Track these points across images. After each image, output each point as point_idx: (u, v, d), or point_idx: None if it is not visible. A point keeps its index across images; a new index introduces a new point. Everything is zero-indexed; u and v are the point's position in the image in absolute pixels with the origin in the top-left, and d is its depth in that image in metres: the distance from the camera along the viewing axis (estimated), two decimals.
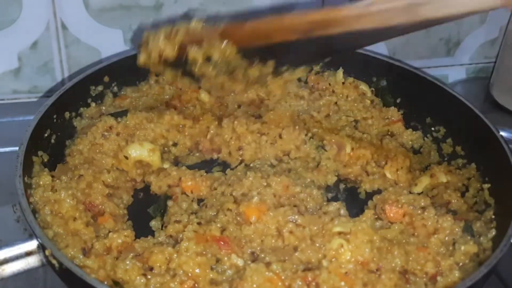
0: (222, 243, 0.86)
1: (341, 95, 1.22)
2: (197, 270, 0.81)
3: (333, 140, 1.09)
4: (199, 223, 0.91)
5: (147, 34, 0.96)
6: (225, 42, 0.89)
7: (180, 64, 0.94)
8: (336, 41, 0.85)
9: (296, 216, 0.90)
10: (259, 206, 0.91)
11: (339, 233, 0.86)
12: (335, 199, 1.02)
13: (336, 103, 1.20)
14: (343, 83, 1.23)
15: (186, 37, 0.93)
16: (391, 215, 0.95)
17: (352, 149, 1.08)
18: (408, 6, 0.76)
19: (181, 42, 0.93)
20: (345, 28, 0.82)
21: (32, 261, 0.81)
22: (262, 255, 0.86)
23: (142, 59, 0.96)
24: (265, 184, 0.97)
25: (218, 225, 0.90)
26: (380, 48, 1.38)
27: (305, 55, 0.90)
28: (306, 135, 1.10)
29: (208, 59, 0.90)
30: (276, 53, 0.90)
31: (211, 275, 0.82)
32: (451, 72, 1.48)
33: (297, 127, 1.10)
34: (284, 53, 0.90)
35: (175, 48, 0.93)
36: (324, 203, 0.98)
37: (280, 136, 1.09)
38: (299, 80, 1.25)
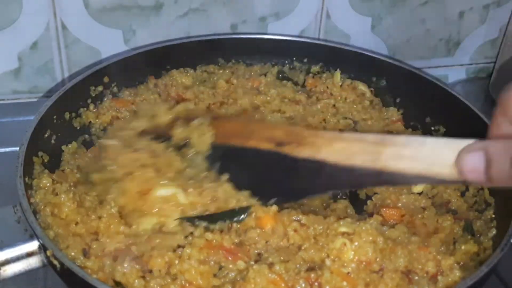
0: (228, 252, 0.84)
1: (339, 97, 1.21)
2: (199, 281, 0.80)
3: None
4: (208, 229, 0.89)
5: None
6: (210, 133, 0.96)
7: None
8: (305, 174, 0.85)
9: (300, 216, 0.90)
10: (276, 216, 0.90)
11: (343, 233, 0.86)
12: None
13: (334, 105, 1.19)
14: (341, 85, 1.23)
15: (185, 112, 1.03)
16: (389, 217, 0.95)
17: None
18: (374, 145, 0.77)
19: (178, 115, 1.03)
20: (311, 152, 0.83)
21: (33, 262, 0.81)
22: (266, 255, 0.86)
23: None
24: None
25: (227, 236, 0.87)
26: (380, 48, 1.39)
27: (266, 185, 0.91)
28: None
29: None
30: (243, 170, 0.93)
31: (214, 283, 0.81)
32: (451, 72, 1.48)
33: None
34: (251, 172, 0.92)
35: (170, 118, 1.03)
36: (331, 201, 0.98)
37: None
38: (296, 84, 1.25)
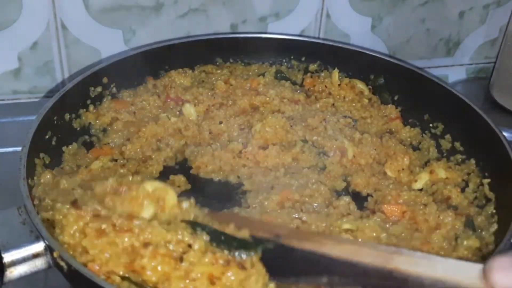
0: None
1: (338, 96, 1.22)
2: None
3: (335, 146, 1.08)
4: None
5: None
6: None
7: None
8: (300, 259, 0.75)
9: (301, 214, 0.90)
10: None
11: (347, 230, 0.87)
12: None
13: (333, 104, 1.20)
14: (339, 84, 1.23)
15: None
16: (390, 213, 0.96)
17: (354, 156, 1.07)
18: (387, 252, 0.71)
19: None
20: (313, 246, 0.74)
21: (39, 263, 0.80)
22: None
23: None
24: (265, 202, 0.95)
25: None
26: (380, 48, 1.39)
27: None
28: (306, 142, 1.09)
29: None
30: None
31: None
32: (451, 72, 1.49)
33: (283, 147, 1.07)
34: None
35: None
36: (334, 198, 0.98)
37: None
38: (295, 83, 1.25)
